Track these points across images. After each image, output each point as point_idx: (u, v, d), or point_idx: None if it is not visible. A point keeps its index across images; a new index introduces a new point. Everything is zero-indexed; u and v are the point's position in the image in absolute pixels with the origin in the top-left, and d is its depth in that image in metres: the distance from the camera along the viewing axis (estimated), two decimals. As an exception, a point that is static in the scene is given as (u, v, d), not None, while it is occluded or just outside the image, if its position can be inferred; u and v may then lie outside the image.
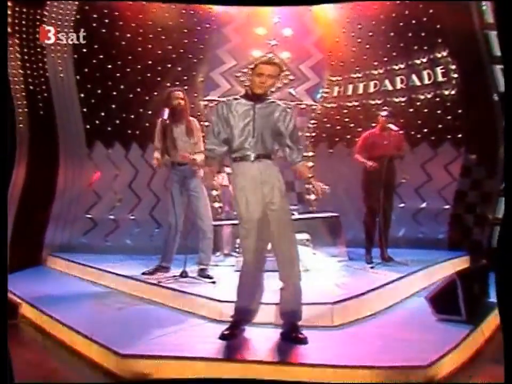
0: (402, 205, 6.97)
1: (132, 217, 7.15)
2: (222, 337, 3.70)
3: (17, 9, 6.53)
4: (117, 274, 5.54)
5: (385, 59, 7.31)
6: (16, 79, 6.64)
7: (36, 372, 3.55)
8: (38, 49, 6.73)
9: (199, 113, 7.10)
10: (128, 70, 7.03)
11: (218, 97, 6.89)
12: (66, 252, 6.58)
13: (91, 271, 5.89)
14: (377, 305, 4.55)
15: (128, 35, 7.01)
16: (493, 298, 4.21)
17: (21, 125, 6.63)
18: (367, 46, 7.33)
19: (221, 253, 6.28)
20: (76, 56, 6.86)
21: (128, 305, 4.76)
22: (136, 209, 7.18)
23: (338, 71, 7.58)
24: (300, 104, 7.10)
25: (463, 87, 6.66)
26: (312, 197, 7.07)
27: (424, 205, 6.92)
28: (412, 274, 5.24)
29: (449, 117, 6.81)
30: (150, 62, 7.11)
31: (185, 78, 7.20)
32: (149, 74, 7.09)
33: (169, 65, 7.21)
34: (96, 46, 6.89)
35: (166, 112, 5.12)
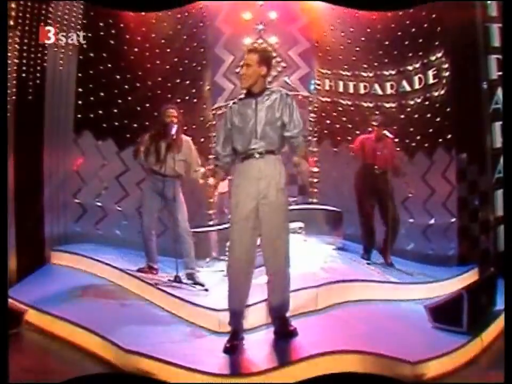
0: (411, 220, 7.07)
1: (119, 208, 7.21)
2: (226, 351, 3.81)
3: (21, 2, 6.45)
4: (119, 269, 5.64)
5: (376, 64, 7.36)
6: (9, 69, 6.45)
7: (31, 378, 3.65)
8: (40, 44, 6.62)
9: (208, 125, 7.26)
10: (138, 84, 7.12)
11: (225, 101, 6.99)
12: (63, 244, 6.61)
13: (93, 263, 5.96)
14: (366, 295, 4.79)
15: (136, 49, 7.11)
16: (499, 305, 4.41)
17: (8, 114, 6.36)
18: (357, 49, 7.38)
19: (210, 258, 6.49)
20: (81, 57, 6.84)
21: (132, 303, 4.96)
22: (123, 201, 7.24)
23: (327, 64, 7.64)
24: (297, 94, 7.11)
25: (453, 80, 6.71)
26: (315, 190, 7.18)
27: (432, 221, 6.94)
28: (414, 285, 5.37)
29: (438, 119, 6.88)
30: (160, 79, 7.19)
31: (193, 90, 7.35)
32: (159, 91, 7.16)
33: (178, 80, 7.31)
34: (104, 55, 6.98)
35: (174, 129, 5.45)
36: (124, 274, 5.53)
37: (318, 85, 7.63)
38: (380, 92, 7.40)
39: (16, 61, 6.49)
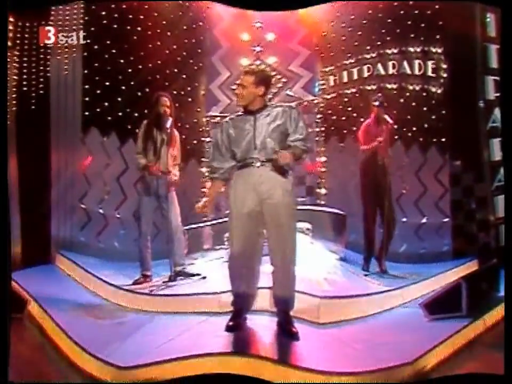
0: (404, 219, 7.06)
1: (118, 215, 7.23)
2: (228, 329, 3.90)
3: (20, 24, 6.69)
4: (114, 285, 5.38)
5: (378, 43, 7.36)
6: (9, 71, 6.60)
7: (30, 369, 3.71)
8: (41, 55, 6.80)
9: (201, 129, 7.41)
10: (140, 67, 7.18)
11: (220, 113, 7.19)
12: (69, 251, 6.60)
13: (91, 278, 5.77)
14: (363, 311, 4.69)
15: (139, 28, 7.17)
16: (502, 292, 4.37)
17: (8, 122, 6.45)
18: (359, 33, 7.39)
19: (205, 249, 6.65)
20: (86, 53, 6.91)
21: (128, 320, 4.70)
22: (122, 207, 7.27)
23: (330, 61, 7.66)
24: (301, 102, 7.27)
25: (449, 89, 6.87)
26: (323, 191, 7.24)
27: (424, 220, 6.97)
28: (407, 287, 5.27)
29: (434, 116, 7.00)
30: (159, 62, 7.26)
31: (189, 88, 7.51)
32: (158, 76, 7.26)
33: (175, 70, 7.45)
34: (108, 42, 7.04)
35: (170, 122, 5.37)
36: (124, 292, 5.26)
37: (323, 84, 7.67)
38: (382, 71, 7.33)
39: (16, 65, 6.70)
